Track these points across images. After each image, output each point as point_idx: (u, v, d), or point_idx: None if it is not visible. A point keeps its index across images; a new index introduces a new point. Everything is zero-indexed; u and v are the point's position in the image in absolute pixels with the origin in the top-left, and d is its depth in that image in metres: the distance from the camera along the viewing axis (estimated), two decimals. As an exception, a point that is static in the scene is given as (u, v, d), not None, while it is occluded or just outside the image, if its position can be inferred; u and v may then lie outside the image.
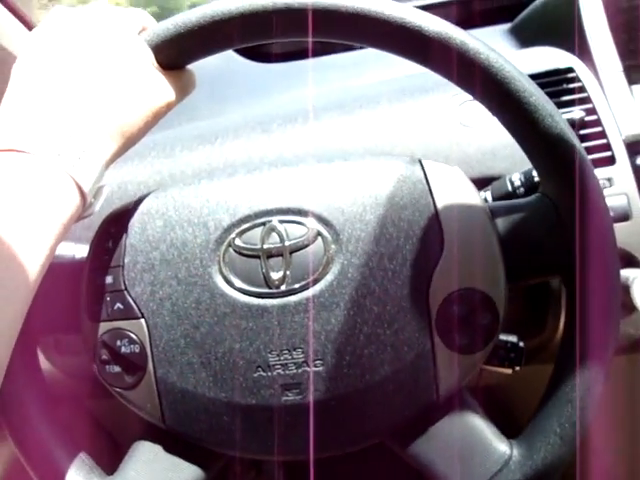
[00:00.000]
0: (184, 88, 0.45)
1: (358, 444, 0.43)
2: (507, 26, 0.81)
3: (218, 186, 0.44)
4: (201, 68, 0.46)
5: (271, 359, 0.41)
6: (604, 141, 0.59)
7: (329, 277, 0.41)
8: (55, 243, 0.37)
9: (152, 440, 0.44)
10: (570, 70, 0.63)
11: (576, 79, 0.62)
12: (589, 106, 0.61)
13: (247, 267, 0.42)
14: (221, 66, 0.80)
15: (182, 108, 0.74)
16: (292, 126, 0.63)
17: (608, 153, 0.59)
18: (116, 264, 0.43)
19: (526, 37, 0.76)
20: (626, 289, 0.54)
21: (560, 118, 0.40)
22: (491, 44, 0.40)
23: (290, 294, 0.41)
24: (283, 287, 0.41)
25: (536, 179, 0.51)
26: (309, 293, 0.41)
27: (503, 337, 0.47)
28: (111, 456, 0.48)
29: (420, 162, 0.43)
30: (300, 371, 0.41)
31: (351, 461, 0.53)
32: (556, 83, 0.61)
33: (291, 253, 0.41)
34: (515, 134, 0.42)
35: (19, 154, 0.36)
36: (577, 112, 0.59)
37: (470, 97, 0.62)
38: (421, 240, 0.41)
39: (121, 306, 0.43)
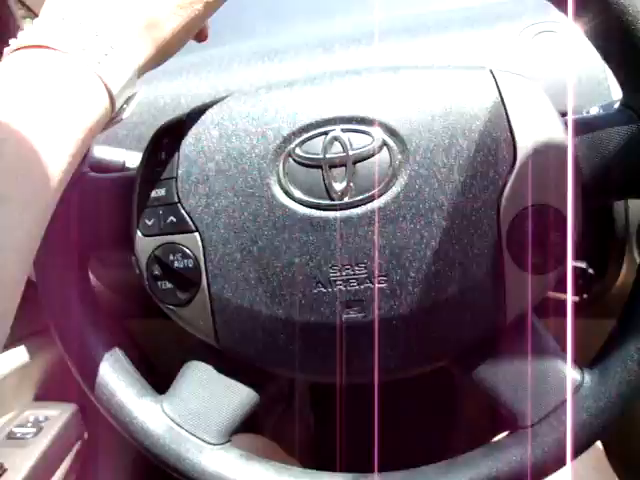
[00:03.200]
0: None
1: (422, 366, 0.41)
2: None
3: (277, 95, 0.41)
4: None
5: (332, 274, 0.39)
6: None
7: (395, 189, 0.39)
8: (81, 146, 0.34)
9: (205, 360, 0.43)
10: None
11: None
12: None
13: (308, 178, 0.40)
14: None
15: (240, 26, 0.71)
16: (356, 47, 0.60)
17: None
18: (169, 176, 0.41)
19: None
20: None
21: None
22: None
23: (353, 206, 0.39)
24: (346, 199, 0.39)
25: None
26: (374, 205, 0.39)
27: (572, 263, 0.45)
28: (149, 378, 0.48)
29: (492, 72, 0.40)
30: (363, 287, 0.39)
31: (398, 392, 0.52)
32: None
33: (355, 163, 0.39)
34: (600, 40, 0.39)
35: (42, 50, 0.34)
36: None
37: (546, 28, 0.59)
38: (493, 152, 0.38)
39: (174, 219, 0.41)
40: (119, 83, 0.36)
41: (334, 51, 0.61)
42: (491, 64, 0.57)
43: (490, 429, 0.53)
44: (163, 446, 0.43)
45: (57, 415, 0.69)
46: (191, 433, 0.43)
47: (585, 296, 0.45)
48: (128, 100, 0.38)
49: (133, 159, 0.55)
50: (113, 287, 0.68)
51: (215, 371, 0.43)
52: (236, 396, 0.43)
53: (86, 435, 0.73)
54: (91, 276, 0.64)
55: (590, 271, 0.45)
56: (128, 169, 0.55)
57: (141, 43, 0.37)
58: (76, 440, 0.71)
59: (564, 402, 0.39)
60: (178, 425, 0.43)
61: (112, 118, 0.37)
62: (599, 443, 0.63)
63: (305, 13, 0.73)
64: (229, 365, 0.43)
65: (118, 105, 0.37)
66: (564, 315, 0.44)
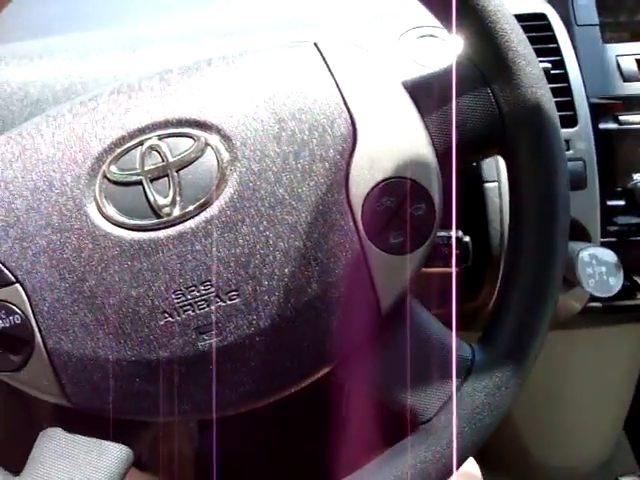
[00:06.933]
0: None
1: (299, 381, 0.37)
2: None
3: (82, 111, 0.37)
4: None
5: (177, 300, 0.35)
6: (568, 99, 0.54)
7: (228, 191, 0.35)
8: None
9: (60, 425, 0.37)
10: (542, 17, 0.57)
11: (547, 27, 0.57)
12: (557, 58, 0.55)
13: (129, 197, 0.35)
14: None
15: (118, 11, 0.65)
16: (229, 39, 0.56)
17: (570, 112, 0.54)
18: None
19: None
20: (570, 262, 0.50)
21: None
22: None
23: (185, 219, 0.35)
24: (176, 212, 0.34)
25: None
26: (207, 214, 0.34)
27: (444, 233, 0.42)
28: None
29: (316, 45, 0.37)
30: (213, 308, 0.35)
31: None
32: (525, 29, 0.56)
33: (178, 171, 0.35)
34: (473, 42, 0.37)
35: None
36: (543, 63, 0.54)
37: (427, 32, 0.56)
38: (329, 131, 0.35)
39: None
40: None
41: (203, 44, 0.56)
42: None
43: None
44: None
45: None
46: None
47: (464, 266, 0.42)
48: None
49: None
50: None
51: (73, 435, 0.37)
52: (104, 458, 0.37)
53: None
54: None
55: (466, 239, 0.42)
56: None
57: None
58: None
59: (459, 387, 0.36)
60: None
61: None
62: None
63: (178, 3, 0.68)
64: (89, 424, 0.37)
65: None
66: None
